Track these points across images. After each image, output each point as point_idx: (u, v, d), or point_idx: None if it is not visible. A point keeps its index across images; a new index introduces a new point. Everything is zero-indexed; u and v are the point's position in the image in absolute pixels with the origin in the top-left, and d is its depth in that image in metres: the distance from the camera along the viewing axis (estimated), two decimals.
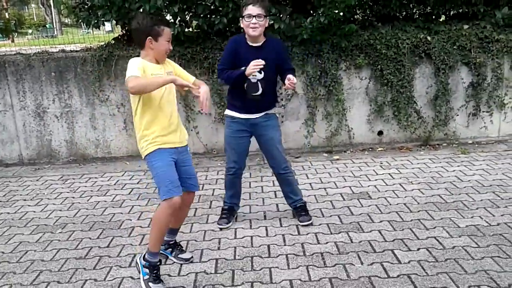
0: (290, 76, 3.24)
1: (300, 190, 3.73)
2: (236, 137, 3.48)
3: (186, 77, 2.94)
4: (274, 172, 3.65)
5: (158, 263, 2.80)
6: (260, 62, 3.14)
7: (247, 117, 3.41)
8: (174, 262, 3.08)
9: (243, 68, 3.21)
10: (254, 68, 3.15)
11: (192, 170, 3.01)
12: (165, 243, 3.09)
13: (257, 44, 3.29)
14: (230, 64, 3.32)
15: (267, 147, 3.53)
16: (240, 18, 3.29)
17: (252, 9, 3.15)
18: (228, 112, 3.50)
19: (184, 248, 3.20)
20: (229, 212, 3.67)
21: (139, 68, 2.64)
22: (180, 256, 3.12)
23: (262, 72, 3.24)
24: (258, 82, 3.28)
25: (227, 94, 3.65)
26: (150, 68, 2.73)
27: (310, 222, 3.55)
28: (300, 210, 3.64)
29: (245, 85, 3.29)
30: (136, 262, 2.88)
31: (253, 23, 3.16)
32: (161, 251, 2.97)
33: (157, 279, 2.75)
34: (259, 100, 3.33)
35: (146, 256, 2.81)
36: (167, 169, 2.77)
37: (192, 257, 3.14)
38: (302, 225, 3.53)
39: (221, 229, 3.56)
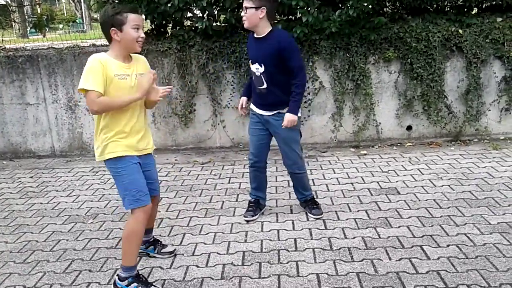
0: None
1: (310, 185, 3.74)
2: (255, 129, 3.54)
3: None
4: (287, 171, 3.65)
5: (137, 275, 2.69)
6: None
7: (260, 112, 3.46)
8: (158, 258, 3.06)
9: None
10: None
11: (154, 175, 2.87)
12: (145, 242, 3.01)
13: (259, 36, 3.29)
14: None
15: (281, 145, 3.53)
16: None
17: (244, 3, 3.21)
18: (250, 105, 3.59)
19: (164, 243, 3.15)
20: (255, 205, 3.69)
21: (98, 78, 2.39)
22: (163, 250, 3.09)
23: (263, 66, 3.24)
24: (261, 76, 3.30)
25: None
26: (113, 69, 2.49)
27: (322, 215, 3.59)
28: (310, 204, 3.68)
29: (253, 78, 3.40)
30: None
31: (242, 15, 3.25)
32: (141, 250, 2.94)
33: (147, 284, 2.68)
34: (264, 94, 3.35)
35: (122, 275, 2.66)
36: (134, 176, 2.61)
37: (175, 249, 3.13)
38: (314, 218, 3.57)
39: (247, 221, 3.59)
